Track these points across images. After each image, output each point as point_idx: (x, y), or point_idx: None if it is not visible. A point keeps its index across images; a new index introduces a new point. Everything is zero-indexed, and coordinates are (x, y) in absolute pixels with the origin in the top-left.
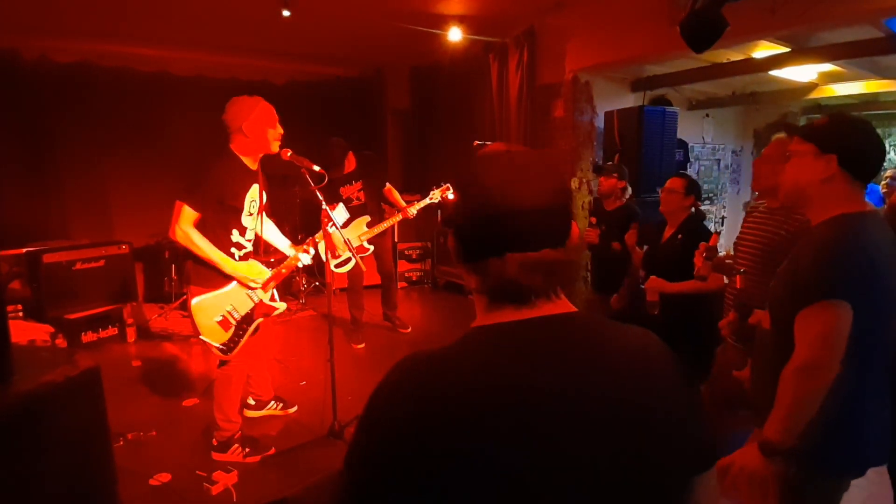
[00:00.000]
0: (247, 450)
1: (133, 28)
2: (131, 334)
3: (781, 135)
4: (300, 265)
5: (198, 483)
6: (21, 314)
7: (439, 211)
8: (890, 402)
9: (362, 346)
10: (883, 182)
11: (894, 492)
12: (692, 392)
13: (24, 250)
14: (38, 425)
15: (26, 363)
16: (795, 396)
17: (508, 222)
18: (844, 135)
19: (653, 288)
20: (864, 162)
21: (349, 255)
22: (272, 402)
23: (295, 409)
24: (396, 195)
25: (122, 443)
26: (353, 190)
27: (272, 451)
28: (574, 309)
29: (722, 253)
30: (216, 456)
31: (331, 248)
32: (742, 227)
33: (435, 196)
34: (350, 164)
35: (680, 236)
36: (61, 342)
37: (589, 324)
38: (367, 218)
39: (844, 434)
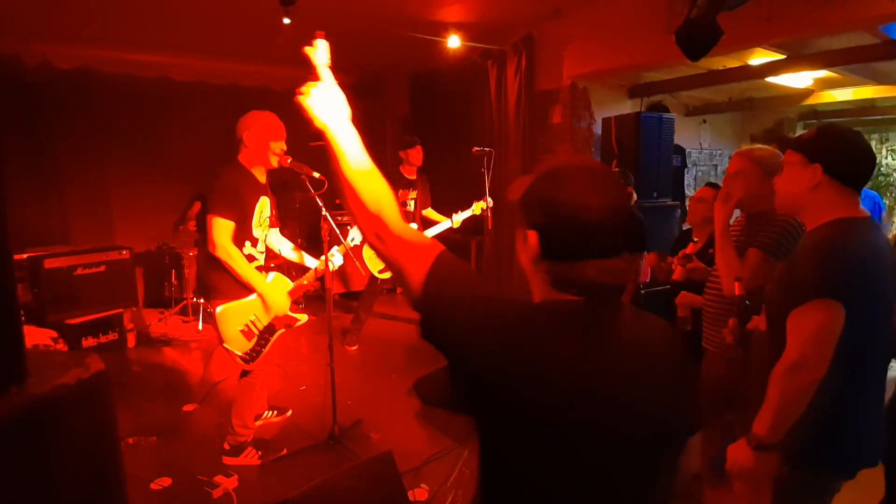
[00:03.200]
0: (260, 452)
1: (134, 34)
2: (131, 339)
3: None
4: (332, 267)
5: (199, 487)
6: (23, 319)
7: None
8: (882, 405)
9: (355, 348)
10: None
11: (887, 489)
12: (690, 372)
13: (26, 255)
14: (53, 427)
15: (40, 366)
16: (784, 393)
17: (595, 234)
18: (829, 144)
19: (684, 304)
20: (850, 169)
21: None
22: (266, 412)
23: (290, 412)
24: (436, 217)
25: (122, 447)
26: (407, 196)
27: (284, 451)
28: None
29: None
30: (228, 460)
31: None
32: None
33: (477, 209)
34: (412, 173)
35: (711, 250)
36: (61, 347)
37: (628, 315)
38: (414, 226)
39: (836, 435)
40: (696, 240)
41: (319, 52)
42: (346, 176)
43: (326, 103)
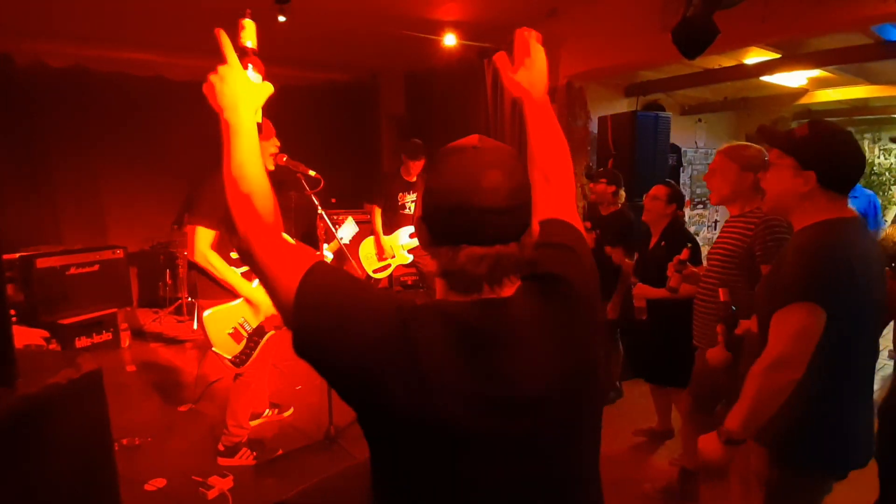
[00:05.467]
0: (255, 453)
1: (128, 32)
2: (125, 339)
3: (733, 143)
4: None
5: (193, 488)
6: (14, 319)
7: None
8: (872, 405)
9: None
10: None
11: (881, 488)
12: (600, 343)
13: (18, 255)
14: (43, 428)
15: (30, 367)
16: (759, 391)
17: (466, 218)
18: (824, 151)
19: (639, 294)
20: (844, 177)
21: (389, 261)
22: (267, 411)
23: (291, 411)
24: None
25: (116, 448)
26: (405, 198)
27: (279, 452)
28: (510, 295)
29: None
30: (223, 461)
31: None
32: (716, 239)
33: None
34: (412, 176)
35: (663, 243)
36: (55, 347)
37: (514, 308)
38: (412, 228)
39: (824, 436)
40: (689, 245)
41: (245, 35)
42: (230, 173)
43: (227, 89)
